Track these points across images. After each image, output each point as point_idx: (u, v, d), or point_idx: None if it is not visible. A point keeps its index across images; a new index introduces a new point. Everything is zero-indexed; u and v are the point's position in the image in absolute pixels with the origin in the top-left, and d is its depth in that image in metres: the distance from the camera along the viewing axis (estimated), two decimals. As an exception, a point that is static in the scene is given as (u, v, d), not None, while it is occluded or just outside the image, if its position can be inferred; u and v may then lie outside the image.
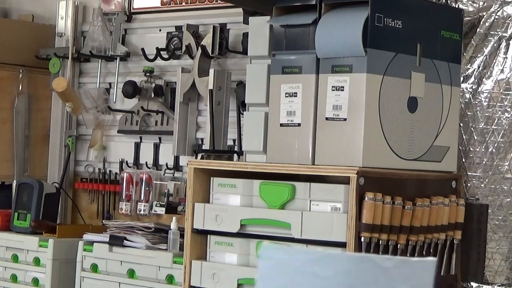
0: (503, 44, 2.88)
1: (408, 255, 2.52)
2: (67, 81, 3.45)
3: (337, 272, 0.98)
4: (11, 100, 3.62)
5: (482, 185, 2.85)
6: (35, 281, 3.27)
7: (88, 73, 3.72)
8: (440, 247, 2.63)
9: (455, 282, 2.70)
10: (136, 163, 3.55)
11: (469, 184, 2.85)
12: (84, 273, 3.15)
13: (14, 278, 3.35)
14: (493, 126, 2.86)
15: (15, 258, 3.33)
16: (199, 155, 3.05)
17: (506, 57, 2.89)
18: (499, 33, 2.89)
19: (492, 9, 2.89)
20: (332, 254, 1.02)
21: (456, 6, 2.88)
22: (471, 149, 2.86)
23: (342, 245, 2.45)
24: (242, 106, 3.07)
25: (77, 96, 3.54)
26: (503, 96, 2.88)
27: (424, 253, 2.58)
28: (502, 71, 2.88)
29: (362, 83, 2.48)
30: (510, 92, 2.88)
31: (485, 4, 2.90)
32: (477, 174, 2.85)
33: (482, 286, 2.84)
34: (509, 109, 2.88)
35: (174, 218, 3.05)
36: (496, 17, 2.89)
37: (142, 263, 3.02)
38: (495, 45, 2.89)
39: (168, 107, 3.43)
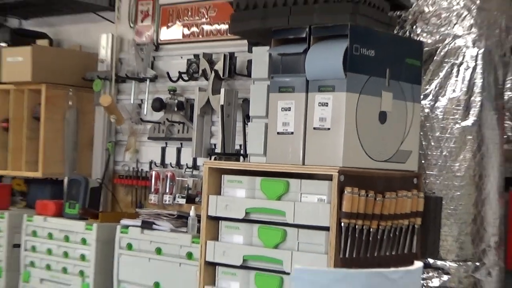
0: (455, 69, 2.94)
1: (378, 237, 2.59)
2: (111, 98, 3.51)
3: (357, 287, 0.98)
4: (62, 113, 3.67)
5: (437, 181, 2.91)
6: (82, 256, 3.33)
7: (124, 91, 3.76)
8: (403, 230, 2.67)
9: (415, 259, 2.71)
10: (162, 163, 3.59)
11: (427, 181, 2.89)
12: (121, 250, 3.20)
13: (65, 254, 3.40)
14: (446, 135, 2.90)
15: (66, 238, 3.39)
16: (213, 157, 3.08)
17: (457, 80, 2.94)
18: (451, 60, 2.95)
19: (446, 42, 2.94)
20: (353, 273, 1.03)
21: (418, 39, 2.95)
22: (429, 152, 2.92)
23: (326, 229, 2.48)
24: (246, 118, 3.11)
25: (118, 110, 3.59)
26: (455, 111, 2.93)
27: (391, 235, 2.63)
28: (454, 90, 2.94)
29: (342, 100, 2.51)
30: (460, 108, 2.93)
31: (440, 37, 2.94)
32: (434, 172, 2.90)
33: (437, 262, 2.89)
34: (459, 121, 2.92)
35: (192, 207, 3.10)
36: (449, 48, 2.94)
37: (167, 242, 3.06)
38: (448, 70, 2.94)
39: (188, 119, 3.48)
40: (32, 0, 3.84)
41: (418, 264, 0.95)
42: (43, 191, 3.78)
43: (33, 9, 4.06)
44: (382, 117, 2.65)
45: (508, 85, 3.25)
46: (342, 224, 2.46)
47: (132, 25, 3.74)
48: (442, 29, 2.97)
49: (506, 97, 3.22)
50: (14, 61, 3.72)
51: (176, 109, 3.51)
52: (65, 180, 3.62)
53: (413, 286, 1.06)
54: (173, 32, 3.60)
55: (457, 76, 2.96)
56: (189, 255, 2.99)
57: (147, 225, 3.15)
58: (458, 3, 2.97)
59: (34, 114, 3.72)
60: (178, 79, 3.50)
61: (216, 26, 3.41)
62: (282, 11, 2.69)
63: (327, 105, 2.55)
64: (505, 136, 3.22)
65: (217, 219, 2.78)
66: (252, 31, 2.85)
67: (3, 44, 3.86)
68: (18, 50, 3.73)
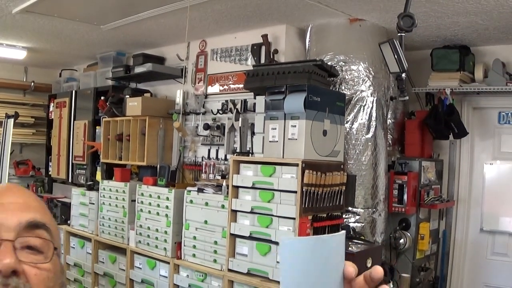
0: (361, 108, 2.86)
1: (323, 196, 2.50)
2: (180, 123, 3.38)
3: (327, 248, 0.67)
4: (157, 131, 3.56)
5: (353, 167, 2.82)
6: (167, 206, 3.22)
7: (188, 119, 3.60)
8: (335, 193, 2.58)
9: (343, 207, 2.68)
10: (208, 157, 3.45)
11: (348, 166, 2.80)
12: (186, 203, 3.09)
13: (158, 205, 3.29)
14: (358, 142, 2.84)
15: (158, 197, 3.28)
16: (235, 154, 2.96)
17: (363, 114, 2.86)
18: (359, 103, 2.86)
19: (357, 94, 2.87)
20: (323, 238, 0.67)
21: (342, 92, 2.86)
22: (348, 151, 2.83)
23: (295, 192, 2.41)
24: (253, 133, 3.01)
25: (184, 129, 3.46)
26: (362, 130, 2.85)
27: (329, 195, 2.55)
28: (361, 119, 2.85)
29: (303, 124, 2.44)
30: (365, 128, 2.85)
31: (354, 91, 2.88)
32: (351, 162, 2.83)
33: (353, 209, 2.82)
34: (364, 135, 2.85)
35: (224, 181, 2.98)
36: (358, 97, 2.87)
37: (211, 199, 2.96)
38: (358, 108, 2.86)
39: (222, 134, 3.35)
40: (142, 74, 3.76)
41: (342, 231, 0.66)
42: (146, 172, 3.67)
43: (143, 78, 3.99)
44: (324, 133, 2.57)
45: (389, 117, 3.17)
46: (304, 189, 2.40)
47: (193, 85, 3.63)
48: (355, 87, 2.90)
49: (388, 122, 3.15)
50: (132, 104, 3.63)
51: (216, 129, 3.39)
52: (158, 166, 3.50)
53: (341, 247, 0.68)
54: (214, 88, 3.49)
55: (363, 112, 2.88)
56: (222, 206, 2.89)
57: (200, 190, 3.05)
58: (362, 74, 2.89)
59: (142, 131, 3.62)
60: (217, 113, 3.40)
61: (237, 85, 3.32)
62: (272, 77, 2.63)
63: (295, 126, 2.48)
64: (388, 143, 3.14)
65: (237, 187, 2.69)
66: (256, 88, 2.79)
67: (127, 96, 3.79)
68: (135, 99, 3.65)
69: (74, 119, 4.43)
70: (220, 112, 3.36)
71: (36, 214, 0.67)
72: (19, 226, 0.65)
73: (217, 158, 3.40)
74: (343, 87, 2.88)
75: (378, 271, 0.62)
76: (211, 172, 3.28)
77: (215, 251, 2.89)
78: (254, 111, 2.98)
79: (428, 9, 2.61)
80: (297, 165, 2.41)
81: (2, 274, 0.60)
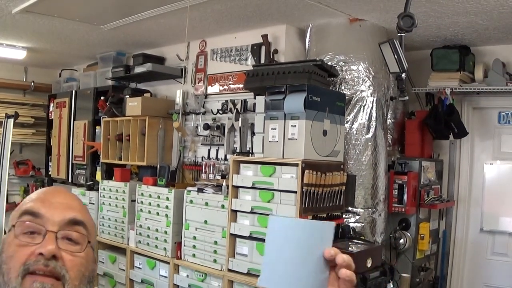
0: (361, 108, 2.85)
1: (322, 196, 2.50)
2: (180, 123, 3.38)
3: (311, 231, 0.72)
4: (157, 131, 3.55)
5: (353, 167, 2.82)
6: (166, 206, 3.21)
7: (188, 119, 3.59)
8: (335, 192, 2.58)
9: (343, 207, 2.68)
10: (208, 157, 3.44)
11: (348, 166, 2.80)
12: (186, 203, 3.09)
13: (158, 205, 3.28)
14: (358, 142, 2.83)
15: (158, 197, 3.28)
16: (235, 154, 2.96)
17: (363, 114, 2.85)
18: (359, 103, 2.86)
19: (357, 94, 2.86)
20: (302, 221, 0.74)
21: (342, 92, 2.85)
22: (348, 151, 2.83)
23: (295, 192, 2.42)
24: (252, 133, 3.01)
25: (184, 129, 3.45)
26: (362, 130, 2.85)
27: (329, 195, 2.55)
28: (361, 119, 2.85)
29: (303, 124, 2.44)
30: (365, 128, 2.85)
31: (354, 91, 2.87)
32: (351, 162, 2.82)
33: (353, 209, 2.82)
34: (364, 135, 2.84)
35: (224, 181, 2.97)
36: (359, 97, 2.86)
37: (210, 199, 2.96)
38: (358, 108, 2.85)
39: (222, 134, 3.33)
40: (142, 74, 3.74)
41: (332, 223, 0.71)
42: (146, 172, 3.67)
43: (143, 78, 3.98)
44: (324, 133, 2.57)
45: (389, 117, 3.16)
46: (304, 189, 2.40)
47: (193, 85, 3.62)
48: (355, 87, 2.89)
49: (388, 122, 3.15)
50: (132, 104, 3.62)
51: (216, 129, 3.38)
52: (158, 166, 3.50)
53: (328, 235, 0.72)
54: (214, 88, 3.48)
55: (363, 112, 2.87)
56: (222, 206, 2.89)
57: (200, 190, 3.05)
58: (362, 74, 2.88)
59: (142, 131, 3.60)
60: (217, 113, 3.39)
61: (237, 85, 3.31)
62: (272, 77, 2.63)
63: (295, 126, 2.48)
64: (388, 143, 3.14)
65: (237, 187, 2.69)
66: (256, 88, 2.79)
67: (127, 96, 3.79)
68: (135, 99, 3.64)
69: (74, 119, 4.43)
70: (220, 112, 3.35)
71: (77, 213, 0.83)
72: (63, 221, 0.80)
73: (217, 158, 3.40)
74: (343, 87, 2.87)
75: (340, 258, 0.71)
76: (211, 172, 3.28)
77: (215, 251, 2.88)
78: (254, 111, 2.97)
79: (428, 9, 2.60)
80: (297, 165, 2.41)
81: (44, 257, 0.76)
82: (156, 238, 3.24)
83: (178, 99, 3.60)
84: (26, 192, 4.98)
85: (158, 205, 3.25)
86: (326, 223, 0.74)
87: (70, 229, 0.80)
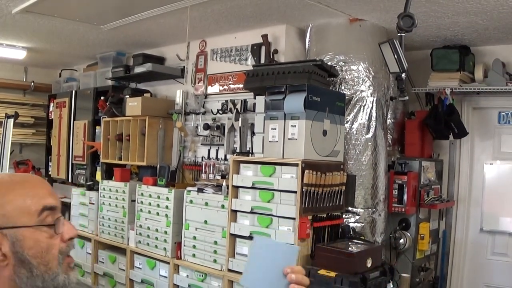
0: (361, 108, 2.85)
1: (322, 196, 2.50)
2: (182, 122, 3.39)
3: (277, 248, 1.04)
4: (157, 131, 3.54)
5: (353, 167, 2.81)
6: (166, 206, 3.21)
7: (188, 119, 3.58)
8: (335, 192, 2.59)
9: (343, 207, 2.68)
10: (208, 157, 3.44)
11: (348, 166, 2.79)
12: (186, 203, 3.09)
13: (158, 205, 3.28)
14: (357, 142, 2.83)
15: (158, 197, 3.27)
16: (235, 154, 2.96)
17: (363, 114, 2.85)
18: (359, 103, 2.85)
19: (357, 94, 2.86)
20: (276, 243, 1.15)
21: (342, 92, 2.85)
22: (348, 151, 2.82)
23: (295, 192, 2.42)
24: (252, 133, 3.01)
25: (186, 129, 3.44)
26: (362, 130, 2.84)
27: (329, 195, 2.56)
28: (361, 119, 2.84)
29: (303, 124, 2.44)
30: (365, 128, 2.84)
31: (354, 91, 2.87)
32: (351, 162, 2.82)
33: (353, 209, 2.81)
34: (364, 135, 2.84)
35: (224, 181, 2.97)
36: (359, 97, 2.86)
37: (210, 199, 2.95)
38: (358, 108, 2.85)
39: (222, 134, 3.33)
40: (142, 74, 3.74)
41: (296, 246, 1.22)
42: (146, 172, 3.67)
43: (143, 78, 3.98)
44: (324, 133, 2.57)
45: (389, 117, 3.16)
46: (304, 189, 2.40)
47: (193, 85, 3.61)
48: (355, 87, 2.89)
49: (388, 122, 3.15)
50: (132, 104, 3.62)
51: (215, 129, 3.37)
52: (158, 166, 3.49)
53: (293, 256, 1.02)
54: (214, 88, 3.48)
55: (363, 112, 2.87)
56: (222, 206, 2.89)
57: (200, 190, 3.05)
58: (362, 74, 2.88)
59: (142, 131, 3.60)
60: (217, 113, 3.38)
61: (236, 85, 3.30)
62: (272, 77, 2.63)
63: (295, 127, 2.48)
64: (388, 143, 3.14)
65: (237, 187, 2.69)
66: (255, 88, 2.78)
67: (127, 96, 3.78)
68: (135, 99, 3.64)
69: (74, 119, 4.43)
70: (220, 112, 3.35)
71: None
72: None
73: (217, 158, 3.40)
74: (343, 87, 2.87)
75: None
76: (211, 172, 3.28)
77: (215, 251, 2.88)
78: (254, 111, 2.97)
79: (428, 9, 2.60)
80: (297, 165, 2.41)
81: (73, 239, 0.89)
82: (156, 238, 3.24)
83: (178, 99, 3.60)
84: (26, 192, 4.97)
85: (158, 205, 3.25)
86: (293, 247, 1.09)
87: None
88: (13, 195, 0.84)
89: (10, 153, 4.10)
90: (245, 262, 2.45)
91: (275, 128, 2.55)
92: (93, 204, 3.86)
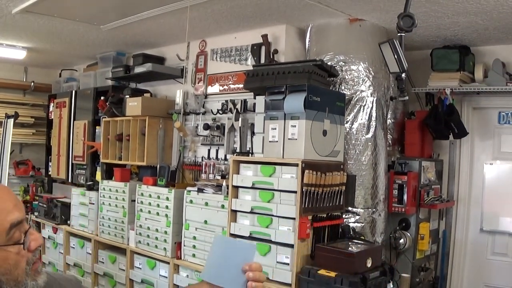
0: (361, 108, 2.85)
1: (322, 196, 2.50)
2: (181, 123, 3.38)
3: (236, 246, 1.11)
4: (157, 131, 3.54)
5: (353, 167, 2.81)
6: (166, 206, 3.21)
7: (188, 119, 3.59)
8: (335, 192, 2.59)
9: (343, 207, 2.68)
10: (208, 157, 3.43)
11: (348, 166, 2.79)
12: (186, 203, 3.09)
13: (158, 205, 3.28)
14: (357, 142, 2.83)
15: (158, 197, 3.27)
16: (235, 154, 2.96)
17: (363, 114, 2.85)
18: (359, 103, 2.85)
19: (357, 94, 2.86)
20: (235, 241, 1.21)
21: (342, 92, 2.85)
22: (348, 151, 2.82)
23: (295, 192, 2.41)
24: (252, 133, 3.00)
25: (185, 129, 3.44)
26: (362, 130, 2.84)
27: (329, 195, 2.56)
28: (361, 119, 2.84)
29: (303, 124, 2.44)
30: (365, 128, 2.84)
31: (354, 91, 2.87)
32: (351, 162, 2.82)
33: (353, 209, 2.81)
34: (364, 135, 2.84)
35: (224, 181, 2.97)
36: (359, 97, 2.86)
37: (210, 199, 2.96)
38: (358, 108, 2.85)
39: (222, 134, 3.33)
40: (142, 74, 3.73)
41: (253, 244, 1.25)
42: (146, 172, 3.67)
43: (143, 78, 3.97)
44: (324, 133, 2.57)
45: (389, 117, 3.16)
46: (304, 189, 2.39)
47: (193, 85, 3.61)
48: (355, 87, 2.88)
49: (388, 122, 3.15)
50: (132, 104, 3.62)
51: (215, 129, 3.37)
52: (158, 166, 3.49)
53: (250, 253, 1.08)
54: (214, 88, 3.47)
55: (363, 112, 2.87)
56: (222, 206, 2.89)
57: (200, 190, 3.05)
58: (362, 74, 2.88)
59: (142, 131, 3.60)
60: (217, 113, 3.38)
61: (236, 85, 3.30)
62: (272, 77, 2.63)
63: (295, 127, 2.48)
64: (388, 143, 3.14)
65: (237, 187, 2.69)
66: (256, 88, 2.78)
67: (127, 96, 3.78)
68: (135, 99, 3.63)
69: (74, 119, 4.43)
70: (220, 112, 3.35)
71: (19, 200, 0.95)
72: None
73: (217, 158, 3.39)
74: (343, 87, 2.87)
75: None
76: (211, 172, 3.27)
77: (215, 251, 2.88)
78: (254, 111, 2.97)
79: (428, 9, 2.60)
80: (297, 165, 2.40)
81: (39, 248, 0.93)
82: (156, 238, 3.24)
83: (178, 99, 3.60)
84: (26, 192, 4.98)
85: (158, 205, 3.25)
86: (250, 245, 1.12)
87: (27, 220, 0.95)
88: None
89: (10, 153, 4.10)
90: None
91: (275, 128, 2.55)
92: (93, 204, 3.86)
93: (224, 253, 1.05)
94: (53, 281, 1.02)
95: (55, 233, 4.23)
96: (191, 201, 3.05)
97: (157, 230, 3.24)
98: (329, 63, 2.82)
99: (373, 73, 2.88)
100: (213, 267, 1.06)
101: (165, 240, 3.18)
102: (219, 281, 1.03)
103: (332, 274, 2.28)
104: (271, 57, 3.04)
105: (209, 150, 3.45)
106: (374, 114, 2.85)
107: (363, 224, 2.81)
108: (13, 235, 0.87)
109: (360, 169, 2.81)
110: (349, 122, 2.84)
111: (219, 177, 3.20)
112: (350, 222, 2.78)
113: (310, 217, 2.46)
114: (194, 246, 3.01)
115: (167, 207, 3.20)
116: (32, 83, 5.09)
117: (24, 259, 0.89)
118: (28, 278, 0.89)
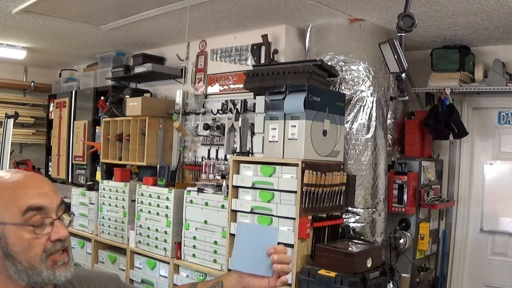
0: (361, 108, 2.85)
1: (322, 196, 2.50)
2: (180, 123, 3.37)
3: (260, 231, 1.15)
4: (157, 131, 3.54)
5: (353, 167, 2.81)
6: (166, 206, 3.21)
7: (188, 119, 3.58)
8: (335, 192, 2.58)
9: (343, 207, 2.68)
10: (208, 157, 3.43)
11: (348, 166, 2.79)
12: (186, 203, 3.08)
13: (158, 205, 3.28)
14: (357, 142, 2.83)
15: (158, 197, 3.27)
16: (235, 154, 2.96)
17: (363, 114, 2.85)
18: (359, 103, 2.85)
19: (357, 94, 2.86)
20: (257, 226, 1.28)
21: (342, 92, 2.85)
22: (348, 151, 2.82)
23: (295, 192, 2.41)
24: (252, 133, 3.00)
25: (184, 129, 3.44)
26: (362, 130, 2.84)
27: (329, 195, 2.55)
28: (361, 119, 2.84)
29: (303, 124, 2.44)
30: (365, 128, 2.84)
31: (354, 91, 2.87)
32: (351, 162, 2.82)
33: (353, 209, 2.81)
34: (364, 135, 2.84)
35: (224, 181, 2.97)
36: (359, 97, 2.86)
37: (211, 199, 2.95)
38: (358, 108, 2.85)
39: (222, 134, 3.32)
40: (142, 74, 3.74)
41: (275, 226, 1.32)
42: (146, 172, 3.67)
43: (143, 78, 3.97)
44: (324, 133, 2.57)
45: (389, 117, 3.16)
46: (304, 189, 2.39)
47: (193, 85, 3.61)
48: (355, 87, 2.88)
49: (388, 122, 3.15)
50: (132, 104, 3.62)
51: (215, 129, 3.37)
52: (158, 166, 3.49)
53: (274, 236, 1.11)
54: (214, 88, 3.47)
55: (363, 112, 2.87)
56: (222, 206, 2.89)
57: (200, 190, 3.04)
58: (362, 74, 2.88)
59: (142, 131, 3.60)
60: (217, 113, 3.38)
61: (237, 85, 3.30)
62: (272, 77, 2.62)
63: (295, 127, 2.48)
64: (388, 143, 3.14)
65: (237, 187, 2.69)
66: (255, 88, 2.78)
67: (127, 96, 3.78)
68: (135, 99, 3.63)
69: (74, 119, 4.43)
70: (220, 112, 3.35)
71: (58, 195, 0.97)
72: (57, 206, 0.95)
73: (217, 158, 3.39)
74: (343, 87, 2.87)
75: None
76: (211, 172, 3.27)
77: (215, 251, 2.88)
78: (254, 111, 2.97)
79: (428, 9, 2.60)
80: (297, 165, 2.40)
81: (61, 241, 0.93)
82: (156, 238, 3.24)
83: (178, 99, 3.59)
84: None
85: (158, 205, 3.25)
86: (272, 229, 1.18)
87: (61, 210, 0.96)
88: (2, 193, 0.90)
89: (10, 153, 4.10)
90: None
91: (275, 128, 2.55)
92: (93, 204, 3.86)
93: (249, 240, 1.09)
94: (83, 279, 1.04)
95: (55, 233, 4.22)
96: (191, 201, 3.05)
97: (157, 230, 3.24)
98: (329, 63, 2.82)
99: (373, 73, 2.88)
100: (240, 255, 1.11)
101: (165, 240, 3.18)
102: (248, 268, 1.08)
103: (332, 274, 2.28)
104: (271, 57, 3.04)
105: (209, 150, 3.45)
106: (374, 114, 2.85)
107: (363, 224, 2.81)
108: (30, 218, 0.90)
109: (360, 169, 2.81)
110: (349, 122, 2.83)
111: (219, 177, 3.20)
112: (350, 222, 2.78)
113: (310, 217, 2.46)
114: (194, 246, 3.01)
115: (167, 207, 3.20)
116: (32, 83, 5.09)
117: (41, 245, 0.91)
118: (43, 266, 0.90)
